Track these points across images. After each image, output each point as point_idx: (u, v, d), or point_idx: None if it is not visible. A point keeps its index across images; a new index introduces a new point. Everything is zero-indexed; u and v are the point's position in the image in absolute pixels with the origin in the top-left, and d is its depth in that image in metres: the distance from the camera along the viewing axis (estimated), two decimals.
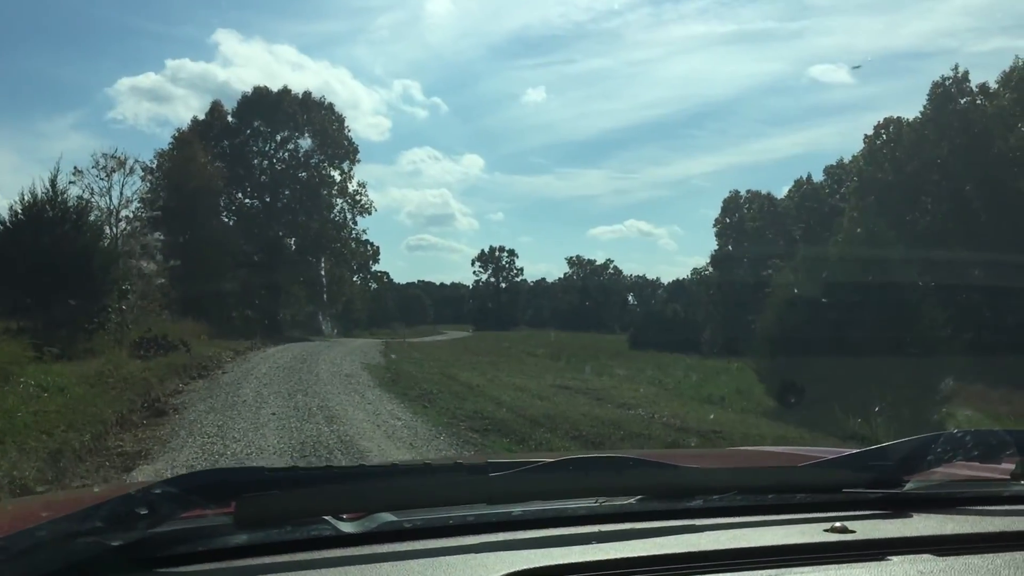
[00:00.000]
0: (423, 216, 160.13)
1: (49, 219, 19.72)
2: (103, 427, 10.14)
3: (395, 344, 36.16)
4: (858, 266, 18.71)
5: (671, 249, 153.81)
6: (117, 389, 13.12)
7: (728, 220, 55.23)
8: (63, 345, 16.59)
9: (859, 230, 22.68)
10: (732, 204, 54.91)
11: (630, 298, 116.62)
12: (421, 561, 1.11)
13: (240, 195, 47.01)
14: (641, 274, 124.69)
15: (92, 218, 22.34)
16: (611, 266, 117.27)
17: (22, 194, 20.10)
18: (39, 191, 20.10)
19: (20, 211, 19.89)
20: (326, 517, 1.18)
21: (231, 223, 44.66)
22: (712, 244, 58.22)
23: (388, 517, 1.21)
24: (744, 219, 52.86)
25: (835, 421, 15.37)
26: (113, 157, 30.22)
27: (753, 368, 21.83)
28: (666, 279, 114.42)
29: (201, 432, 10.69)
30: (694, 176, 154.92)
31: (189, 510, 1.12)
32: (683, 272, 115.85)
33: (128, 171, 30.59)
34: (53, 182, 20.34)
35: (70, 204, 20.60)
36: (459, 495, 1.28)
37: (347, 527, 1.18)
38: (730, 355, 37.93)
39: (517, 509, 1.29)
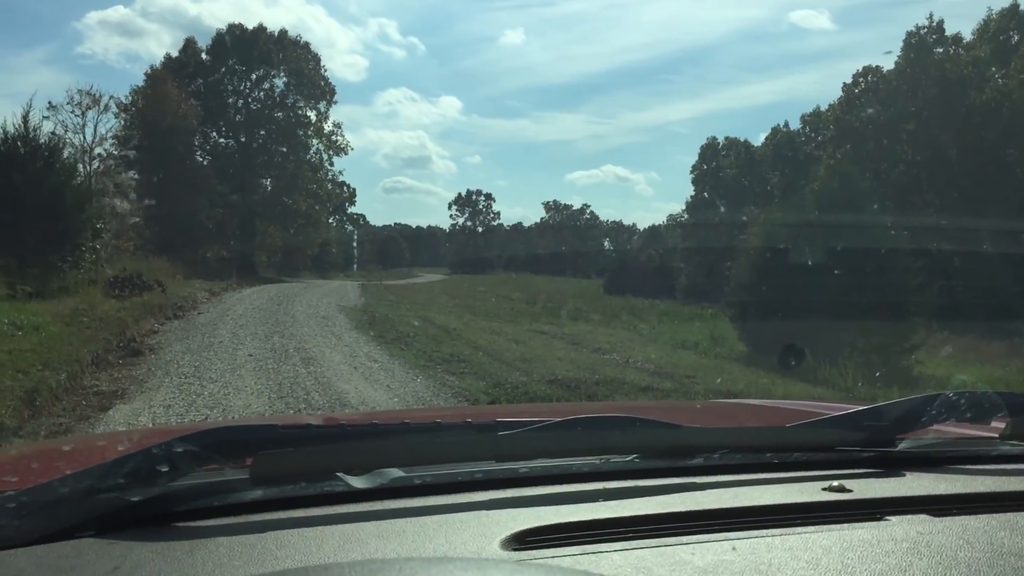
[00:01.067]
0: (400, 158, 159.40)
1: (21, 156, 19.41)
2: (78, 366, 10.12)
3: (371, 287, 36.08)
4: (831, 215, 18.79)
5: (648, 195, 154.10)
6: (92, 328, 13.06)
7: (705, 167, 55.16)
8: (36, 284, 16.47)
9: (834, 178, 22.72)
10: (709, 151, 54.80)
11: (606, 243, 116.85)
12: (432, 517, 1.14)
13: (215, 134, 46.38)
14: (618, 220, 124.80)
15: (65, 156, 21.97)
16: (588, 211, 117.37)
17: None
18: (11, 127, 19.77)
19: None
20: (338, 473, 1.21)
21: (206, 163, 44.10)
22: (689, 191, 58.32)
23: (398, 473, 1.23)
24: (721, 166, 52.83)
25: (808, 368, 15.61)
26: (88, 94, 29.68)
27: (727, 315, 22.04)
28: (642, 225, 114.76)
29: (178, 372, 10.70)
30: (672, 122, 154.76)
31: (207, 466, 1.15)
32: (659, 218, 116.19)
33: (103, 108, 30.00)
34: (25, 118, 19.99)
35: (42, 141, 20.27)
36: (468, 452, 1.31)
37: (358, 483, 1.20)
38: (704, 302, 38.23)
39: (525, 466, 1.32)
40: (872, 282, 17.67)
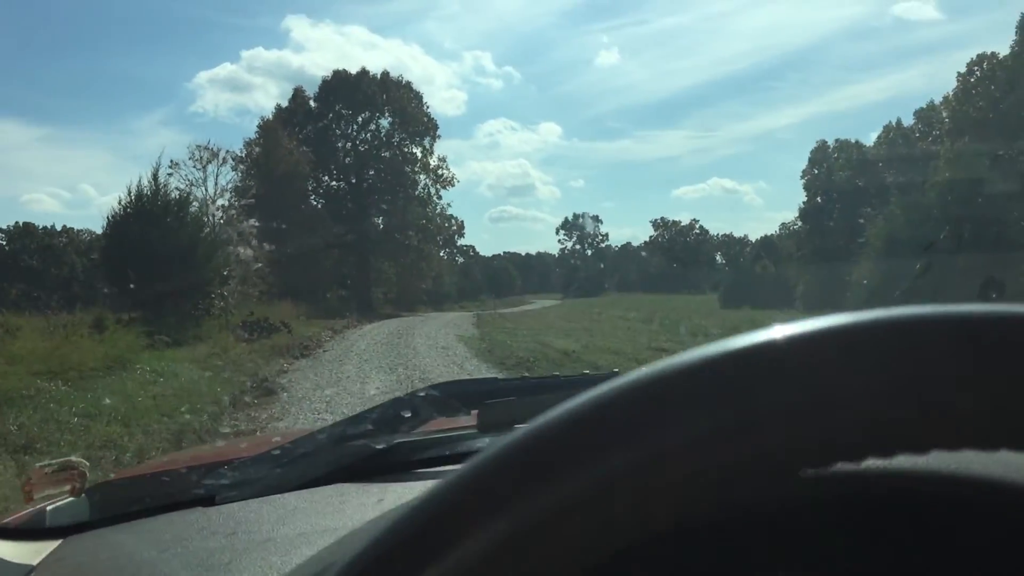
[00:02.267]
0: (503, 187, 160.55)
1: (154, 212, 20.50)
2: (217, 408, 10.57)
3: (486, 316, 36.42)
4: (956, 206, 18.10)
5: (757, 205, 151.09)
6: (228, 371, 13.65)
7: (816, 171, 53.70)
8: (173, 332, 17.28)
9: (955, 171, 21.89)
10: (819, 154, 53.33)
11: (718, 257, 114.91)
12: None
13: (326, 178, 47.84)
14: (728, 232, 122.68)
15: (192, 209, 23.11)
16: (697, 226, 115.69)
17: (128, 189, 20.95)
18: (143, 185, 20.92)
19: (127, 206, 20.72)
20: None
21: (319, 206, 45.53)
22: (799, 197, 56.82)
23: None
24: (832, 169, 51.35)
25: None
26: (206, 148, 31.08)
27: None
28: (754, 236, 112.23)
29: (311, 408, 11.03)
30: (777, 129, 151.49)
31: (445, 413, 1.29)
32: (771, 228, 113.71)
33: (221, 161, 31.39)
34: (155, 176, 21.14)
35: (171, 196, 21.39)
36: None
37: None
38: (826, 308, 37.12)
39: None
40: (1003, 272, 16.88)
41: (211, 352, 15.33)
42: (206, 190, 30.48)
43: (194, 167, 30.45)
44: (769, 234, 79.50)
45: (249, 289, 27.30)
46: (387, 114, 48.45)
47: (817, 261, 45.46)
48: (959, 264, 16.83)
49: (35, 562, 0.99)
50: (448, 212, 53.15)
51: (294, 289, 31.10)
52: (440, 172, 49.94)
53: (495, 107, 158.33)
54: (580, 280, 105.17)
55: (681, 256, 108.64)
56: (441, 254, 57.71)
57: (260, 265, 29.90)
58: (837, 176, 50.29)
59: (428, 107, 50.14)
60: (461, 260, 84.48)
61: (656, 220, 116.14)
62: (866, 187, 47.89)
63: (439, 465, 1.21)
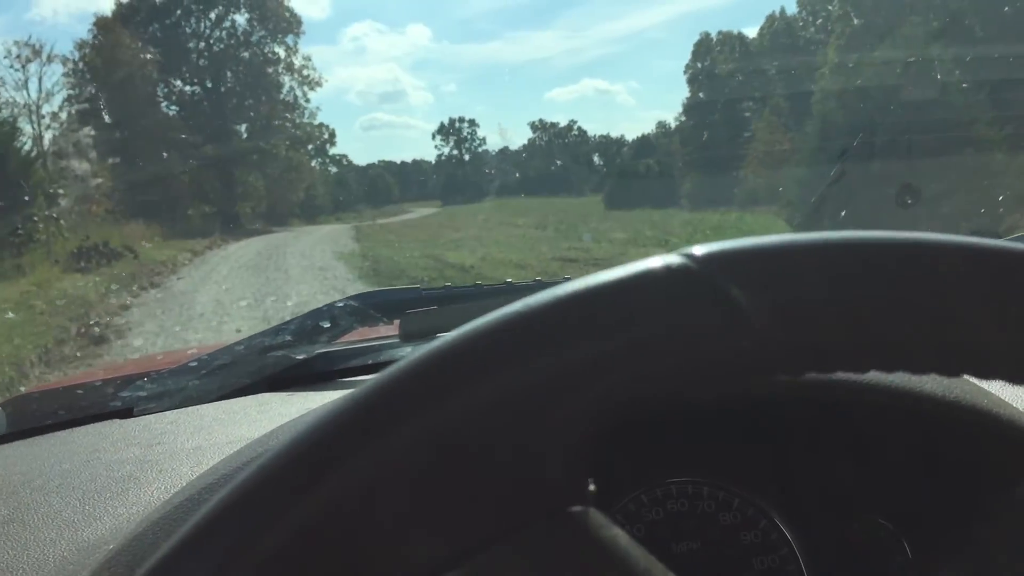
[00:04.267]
0: (374, 94, 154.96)
1: None
2: (16, 371, 7.85)
3: (365, 228, 34.10)
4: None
5: (630, 105, 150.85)
6: (47, 314, 10.78)
7: (699, 65, 52.24)
8: None
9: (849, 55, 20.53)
10: (703, 48, 51.72)
11: (595, 158, 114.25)
12: None
13: (179, 83, 43.20)
14: (604, 133, 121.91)
15: (6, 115, 19.36)
16: (575, 127, 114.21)
17: None
18: None
19: None
20: None
21: (172, 114, 41.27)
22: (678, 94, 55.63)
23: None
24: (716, 62, 50.02)
25: None
26: (27, 45, 26.49)
27: (783, 217, 19.92)
28: (630, 136, 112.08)
29: None
30: (648, 28, 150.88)
31: (366, 324, 1.31)
32: (646, 128, 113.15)
33: (46, 60, 26.83)
34: None
35: None
36: None
37: None
38: (717, 206, 36.19)
39: None
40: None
41: (26, 289, 12.30)
42: (28, 94, 26.12)
43: (12, 67, 25.98)
44: (647, 133, 78.74)
45: (96, 209, 23.73)
46: (244, 9, 43.97)
47: (703, 158, 44.43)
48: (874, 169, 15.51)
49: None
50: (318, 121, 49.38)
51: (148, 208, 27.58)
52: (306, 73, 45.76)
53: (360, 8, 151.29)
54: (459, 186, 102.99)
55: (560, 158, 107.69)
56: (313, 164, 54.31)
57: (100, 181, 26.10)
58: (721, 69, 49.08)
59: (289, 2, 45.81)
60: (335, 170, 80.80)
61: (534, 122, 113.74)
62: (749, 81, 46.93)
63: (361, 375, 1.21)
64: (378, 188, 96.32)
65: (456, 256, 17.70)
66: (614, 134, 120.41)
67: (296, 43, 45.41)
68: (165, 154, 33.14)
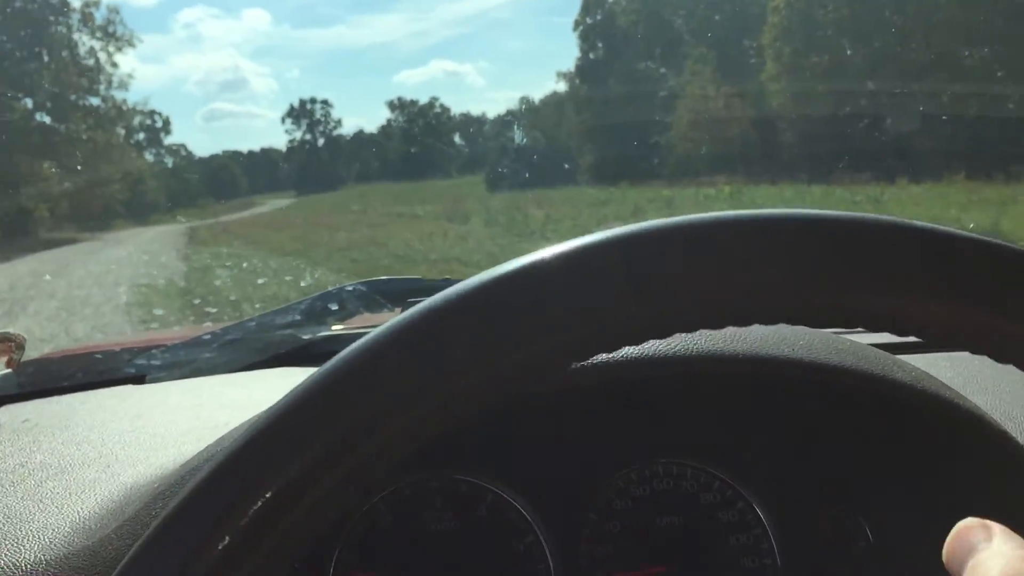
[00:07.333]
0: (213, 83, 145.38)
1: None
2: None
3: (203, 230, 26.93)
4: None
5: (480, 86, 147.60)
6: None
7: (589, 20, 46.33)
8: None
9: None
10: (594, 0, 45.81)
11: (456, 138, 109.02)
12: None
13: None
14: (466, 111, 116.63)
15: None
16: (437, 104, 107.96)
17: None
18: None
19: None
20: None
21: None
22: (530, 73, 49.91)
23: None
24: (614, 15, 44.22)
25: None
26: None
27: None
28: (491, 115, 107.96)
29: None
30: (492, 8, 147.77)
31: (371, 309, 1.35)
32: (497, 109, 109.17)
33: None
34: None
35: None
36: None
37: None
38: (632, 180, 30.95)
39: None
40: None
41: None
42: None
43: None
44: (511, 109, 74.30)
45: None
46: None
47: (609, 125, 38.61)
48: None
49: None
50: (149, 106, 40.54)
51: None
52: (111, 29, 35.78)
53: None
54: (314, 174, 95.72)
55: (422, 139, 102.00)
56: (148, 156, 45.76)
57: None
58: (622, 21, 43.23)
59: None
60: (171, 162, 71.93)
61: (393, 101, 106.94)
62: (658, 32, 41.40)
63: None
64: (223, 180, 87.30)
65: (335, 280, 10.59)
66: (475, 112, 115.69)
67: None
68: None
